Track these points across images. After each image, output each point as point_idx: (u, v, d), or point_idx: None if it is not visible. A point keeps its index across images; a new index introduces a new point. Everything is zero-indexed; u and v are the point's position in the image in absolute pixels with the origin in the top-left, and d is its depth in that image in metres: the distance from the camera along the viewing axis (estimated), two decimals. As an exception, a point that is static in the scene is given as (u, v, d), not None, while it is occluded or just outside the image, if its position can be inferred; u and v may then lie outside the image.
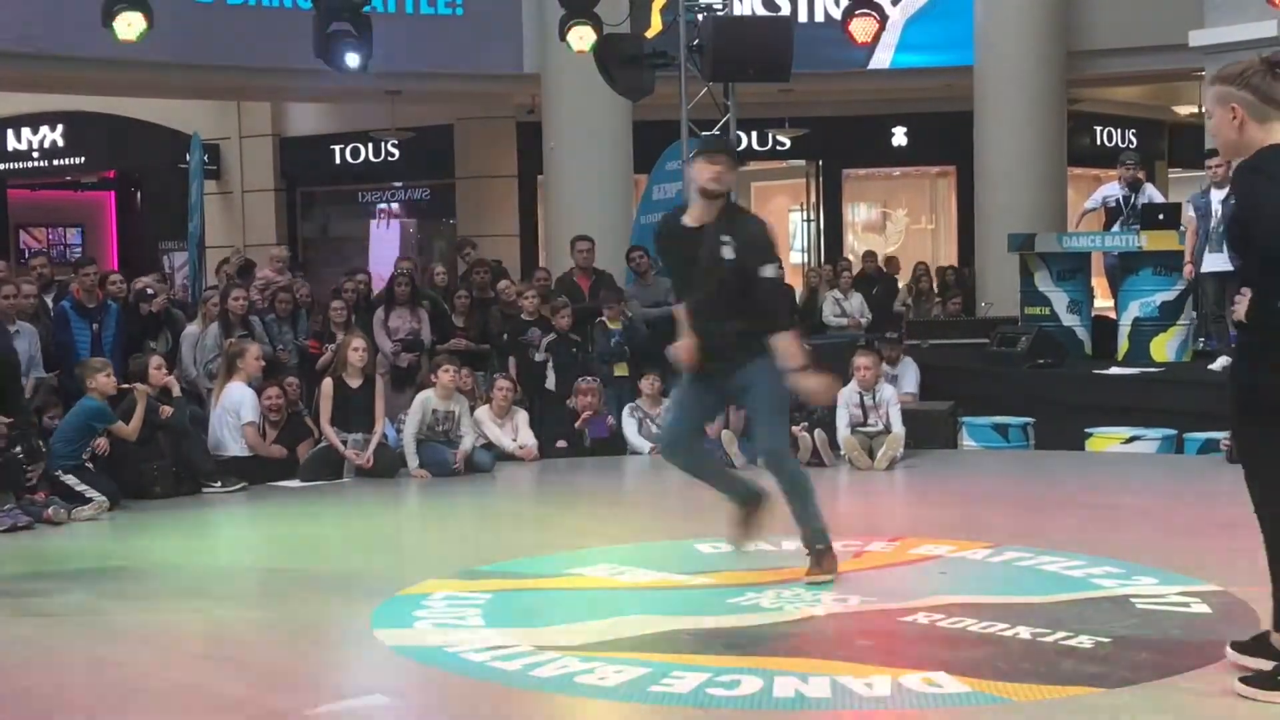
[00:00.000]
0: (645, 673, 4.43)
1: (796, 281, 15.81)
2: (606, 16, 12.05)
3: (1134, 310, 11.85)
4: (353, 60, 11.60)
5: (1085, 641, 4.70)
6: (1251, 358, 4.10)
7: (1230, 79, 4.11)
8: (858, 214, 22.15)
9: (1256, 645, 4.28)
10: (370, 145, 21.06)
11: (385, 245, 21.09)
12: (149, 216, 22.20)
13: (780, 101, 17.77)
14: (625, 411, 10.47)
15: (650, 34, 11.94)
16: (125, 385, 8.75)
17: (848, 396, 9.65)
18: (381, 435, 9.67)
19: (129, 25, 11.06)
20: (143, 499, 8.49)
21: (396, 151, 20.93)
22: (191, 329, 10.53)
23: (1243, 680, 4.13)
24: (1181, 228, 11.52)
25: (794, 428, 9.58)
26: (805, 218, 21.75)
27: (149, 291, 10.78)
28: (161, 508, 8.38)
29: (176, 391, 9.26)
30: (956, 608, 5.23)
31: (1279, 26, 13.43)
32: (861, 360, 9.72)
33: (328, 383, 9.68)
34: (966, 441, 10.48)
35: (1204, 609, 5.15)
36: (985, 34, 15.89)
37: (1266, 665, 4.16)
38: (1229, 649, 4.37)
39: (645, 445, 10.30)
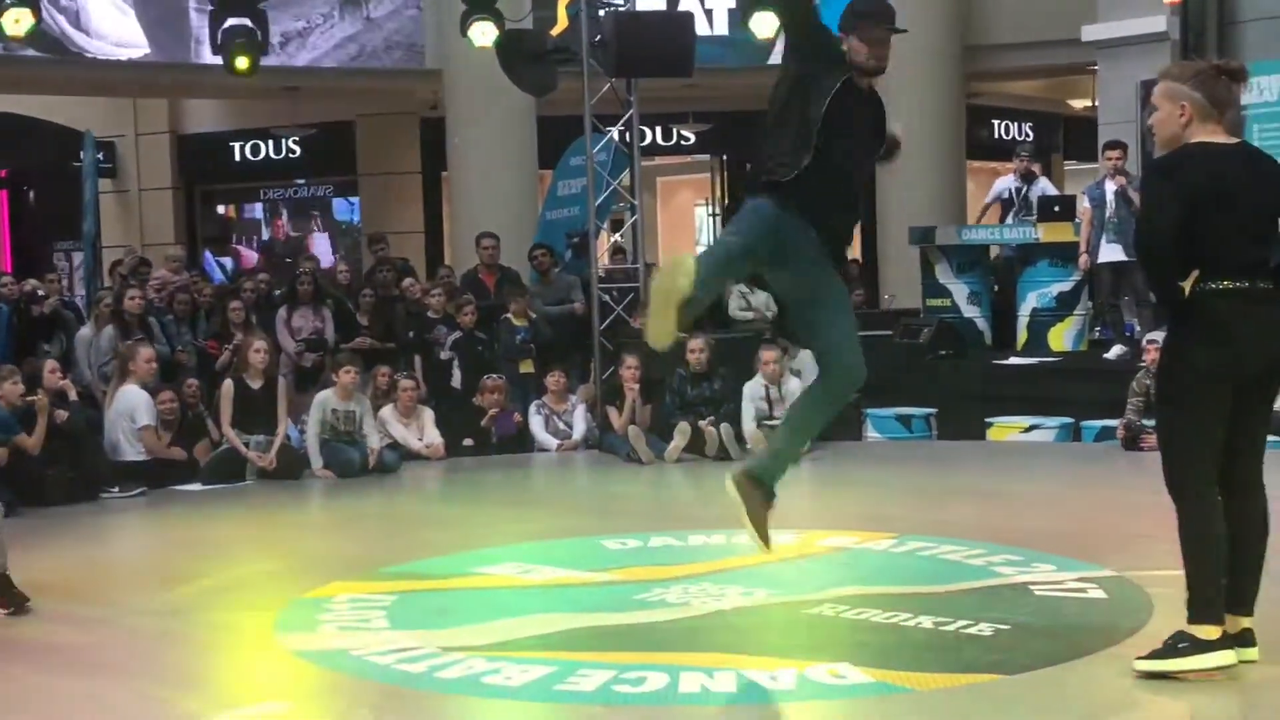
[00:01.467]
0: (551, 671, 4.42)
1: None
2: (508, 12, 11.99)
3: (1032, 301, 12.04)
4: (242, 63, 11.46)
5: (986, 629, 4.77)
6: (1174, 338, 4.33)
7: (1183, 78, 4.28)
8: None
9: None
10: (271, 142, 20.79)
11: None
12: (42, 216, 21.73)
13: (684, 96, 17.81)
14: (532, 408, 10.44)
15: (557, 31, 11.90)
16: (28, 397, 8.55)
17: (753, 390, 9.71)
18: (285, 436, 9.56)
19: (16, 22, 10.82)
20: (39, 506, 8.30)
21: (298, 148, 20.68)
22: (85, 331, 10.34)
23: (1143, 656, 4.21)
24: (1077, 219, 11.72)
25: (700, 422, 9.64)
26: (710, 212, 21.85)
27: (39, 293, 10.56)
28: (59, 515, 8.19)
29: (72, 395, 9.08)
30: (861, 598, 5.28)
31: (1168, 22, 13.71)
32: (766, 354, 9.79)
33: (228, 384, 9.54)
34: (871, 433, 10.59)
35: (1100, 594, 5.24)
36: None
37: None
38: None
39: (552, 442, 10.28)
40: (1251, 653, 4.22)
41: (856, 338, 5.02)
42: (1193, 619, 4.16)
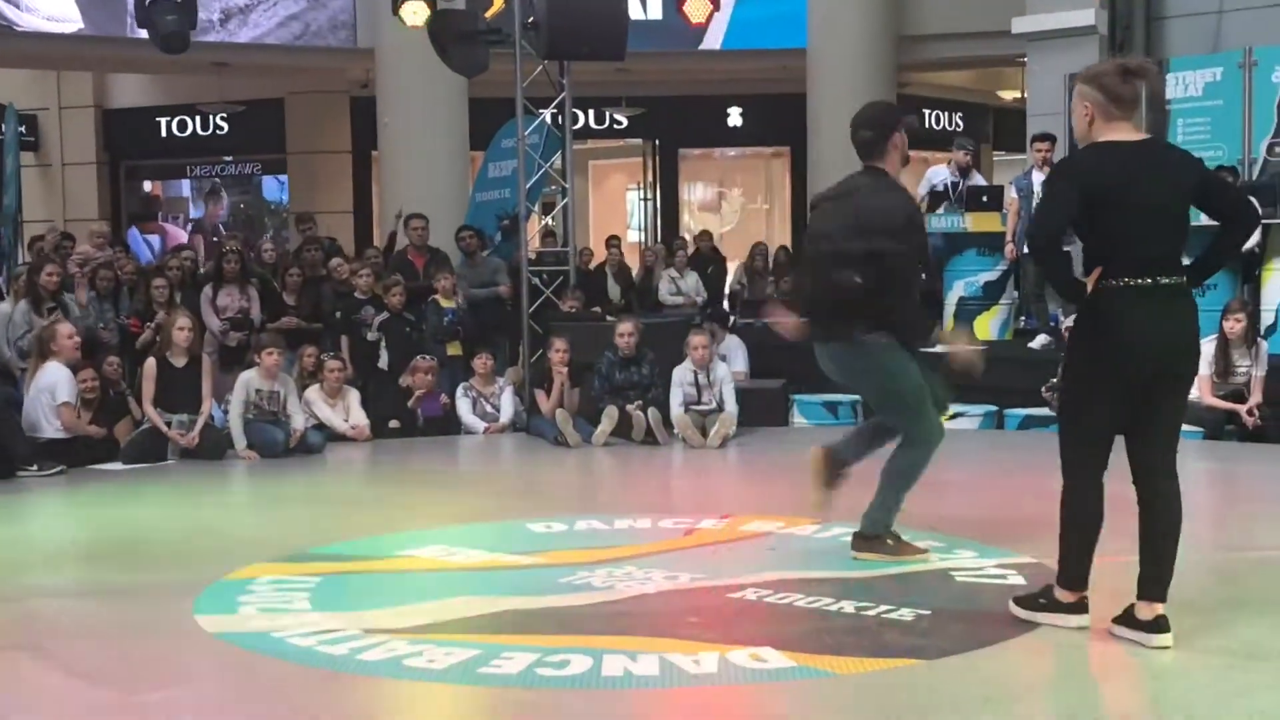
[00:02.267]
0: (474, 654, 4.41)
1: (633, 260, 15.87)
2: (440, -9, 11.91)
3: (959, 290, 12.15)
4: (175, 42, 11.27)
5: (906, 614, 4.81)
6: (1074, 331, 4.57)
7: (1089, 79, 4.43)
8: (694, 193, 22.32)
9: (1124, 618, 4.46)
10: (198, 118, 20.54)
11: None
12: (-39, 190, 21.32)
13: (617, 80, 17.80)
14: (459, 391, 10.40)
15: (492, 13, 11.83)
16: None
17: (681, 375, 9.73)
18: (209, 416, 9.45)
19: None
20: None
21: (225, 125, 20.44)
22: (3, 307, 10.15)
23: (1015, 599, 4.69)
24: (1004, 210, 11.85)
25: (628, 406, 9.65)
26: (642, 196, 21.85)
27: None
28: (-27, 493, 8.05)
29: (-11, 372, 8.92)
30: (784, 583, 5.31)
31: (1096, 15, 13.88)
32: (695, 339, 9.82)
33: (151, 362, 9.41)
34: (798, 419, 10.66)
35: (1019, 580, 5.31)
36: (818, 17, 16.11)
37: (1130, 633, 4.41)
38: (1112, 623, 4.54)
39: (479, 425, 10.25)
40: (1166, 638, 4.31)
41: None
42: (1059, 581, 4.56)
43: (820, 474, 5.79)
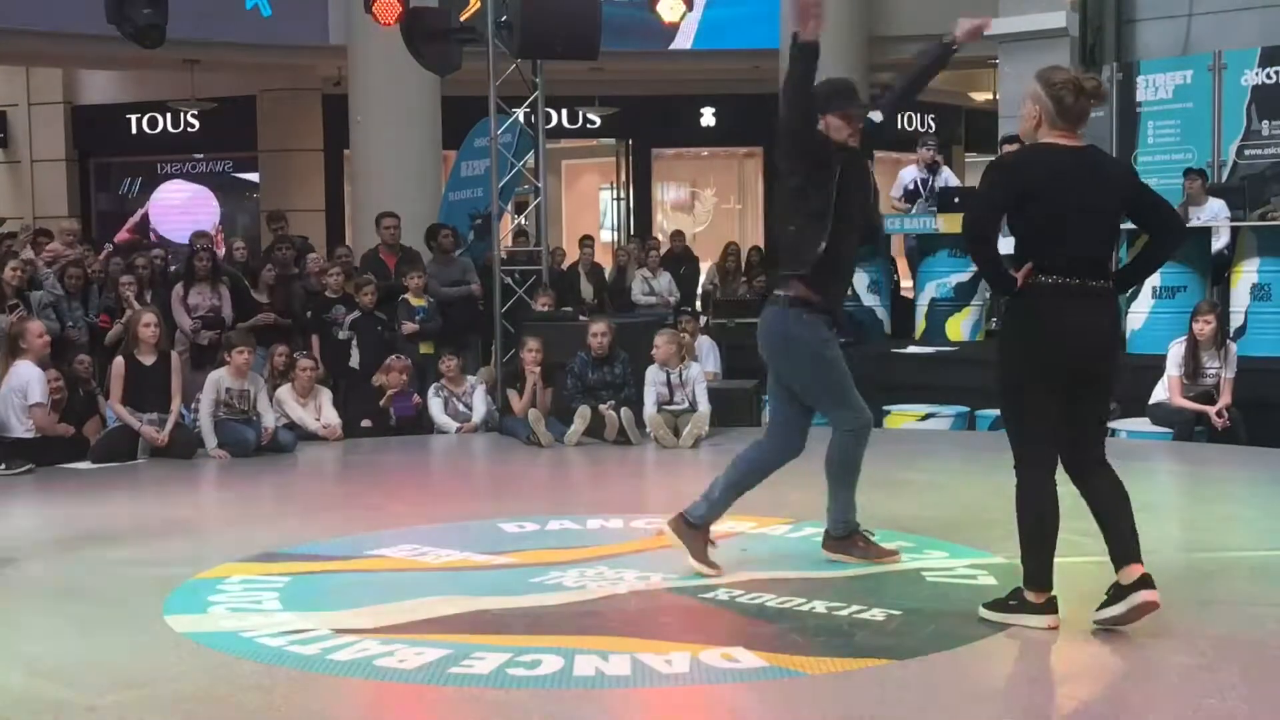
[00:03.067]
0: (445, 654, 4.40)
1: (606, 260, 15.86)
2: (413, -11, 11.87)
3: (930, 291, 12.20)
4: (151, 35, 11.19)
5: (878, 614, 4.83)
6: (1002, 328, 4.75)
7: (1046, 83, 4.51)
8: (667, 193, 22.34)
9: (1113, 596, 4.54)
10: (169, 115, 20.43)
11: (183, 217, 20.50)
12: (-71, 186, 21.17)
13: (591, 80, 17.80)
14: (430, 390, 10.38)
15: (468, 14, 11.82)
16: None
17: (654, 375, 9.73)
18: (179, 414, 9.39)
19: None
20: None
21: (197, 122, 20.35)
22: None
23: (985, 605, 4.67)
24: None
25: (601, 406, 9.64)
26: (615, 196, 21.86)
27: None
28: (-60, 492, 7.98)
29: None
30: (756, 583, 5.32)
31: (1068, 18, 13.96)
32: (659, 339, 9.81)
33: (119, 361, 9.34)
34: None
35: (990, 581, 5.33)
36: (791, 18, 16.11)
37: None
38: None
39: (452, 424, 10.23)
40: (1154, 593, 4.42)
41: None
42: (1025, 584, 4.57)
43: (687, 543, 5.53)
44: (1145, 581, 4.42)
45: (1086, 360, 4.48)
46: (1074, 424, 4.52)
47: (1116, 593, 4.46)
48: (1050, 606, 4.54)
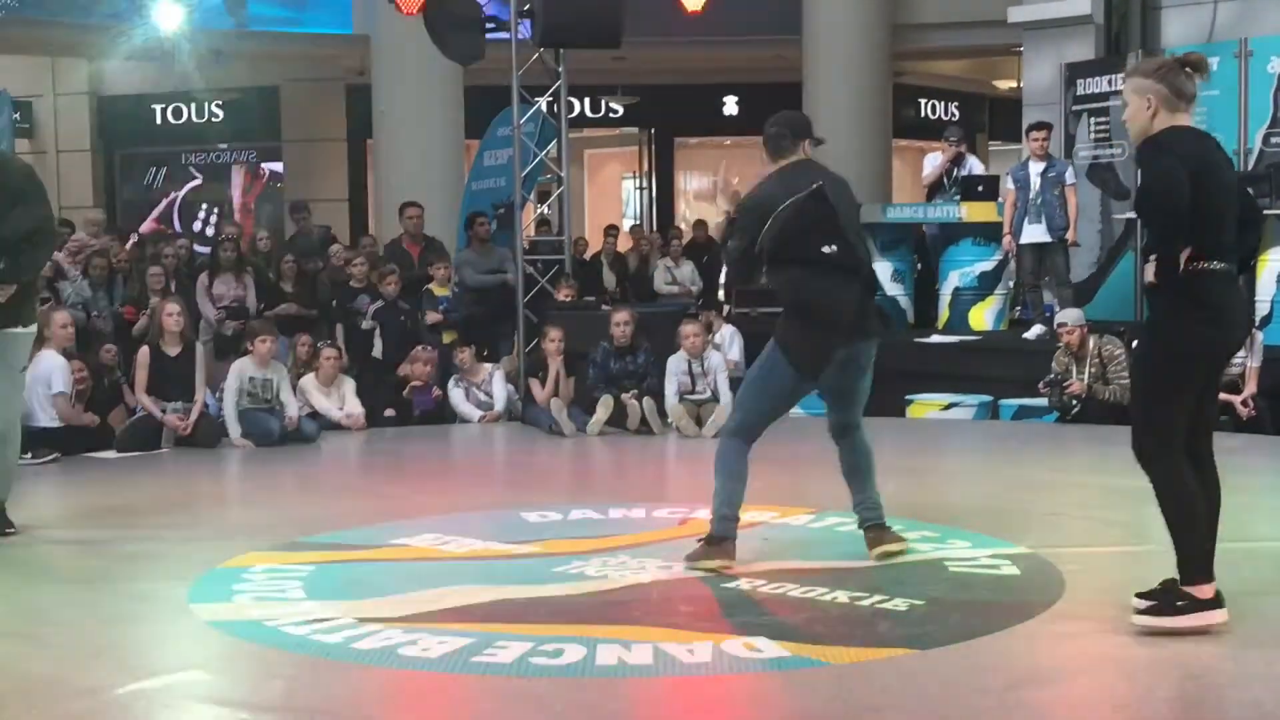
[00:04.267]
0: (469, 643, 4.41)
1: (626, 249, 15.85)
2: (436, -21, 11.87)
3: (954, 280, 12.16)
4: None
5: (900, 604, 4.82)
6: (1164, 313, 4.41)
7: (1149, 73, 4.45)
8: (690, 182, 22.30)
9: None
10: (193, 106, 20.47)
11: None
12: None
13: (613, 69, 17.77)
14: (451, 381, 10.39)
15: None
16: None
17: (676, 365, 9.73)
18: (203, 404, 9.43)
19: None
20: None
21: (220, 113, 20.39)
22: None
23: (1140, 612, 4.39)
24: (1000, 200, 11.84)
25: (623, 395, 9.65)
26: (638, 185, 21.84)
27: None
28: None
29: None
30: (778, 573, 5.31)
31: (1092, 5, 13.86)
32: (688, 329, 9.81)
33: (144, 351, 9.39)
34: (794, 409, 10.61)
35: (1013, 571, 5.32)
36: (814, 5, 16.09)
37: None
38: (1135, 599, 4.53)
39: (475, 413, 10.25)
40: (1221, 614, 4.37)
41: None
42: (1186, 580, 4.35)
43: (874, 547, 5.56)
44: (1220, 601, 4.39)
45: (1237, 345, 4.53)
46: (1199, 413, 4.45)
47: (1191, 603, 4.34)
48: (1220, 599, 4.35)
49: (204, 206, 20.84)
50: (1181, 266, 4.29)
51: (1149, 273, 4.36)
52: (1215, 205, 4.34)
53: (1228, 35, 12.75)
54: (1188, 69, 4.44)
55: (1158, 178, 4.32)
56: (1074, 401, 9.40)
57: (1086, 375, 9.40)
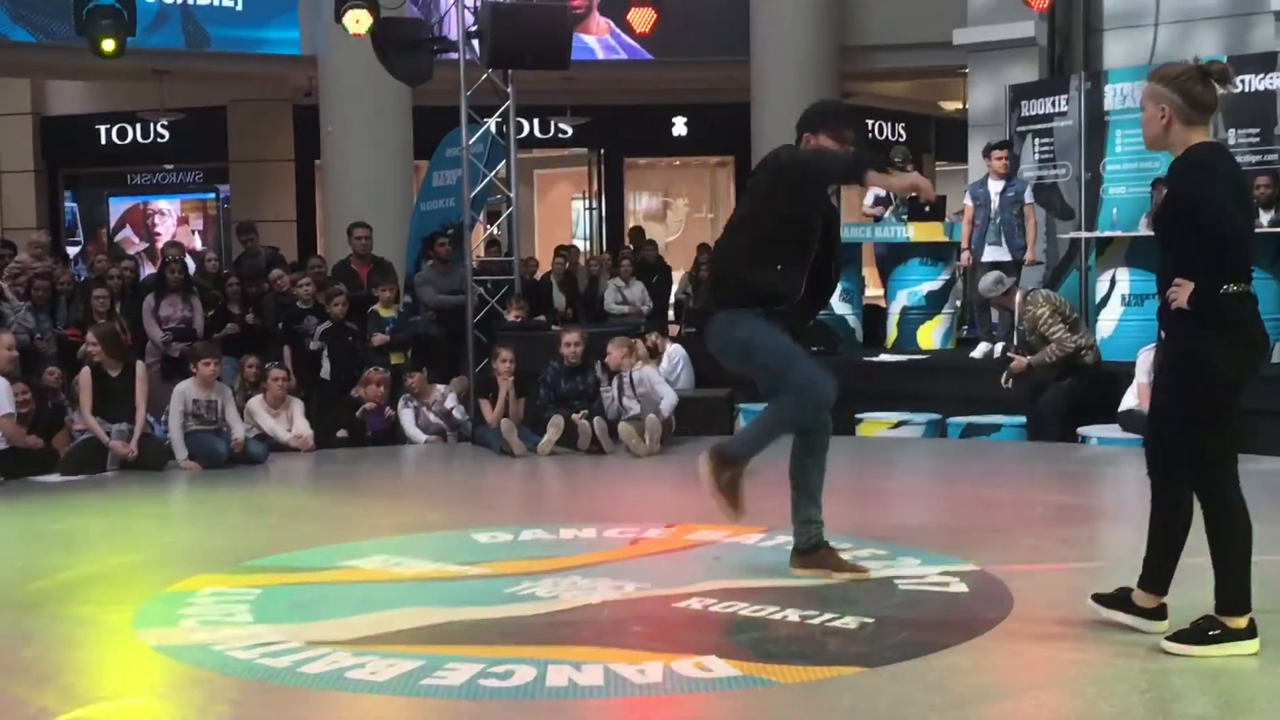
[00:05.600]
0: (418, 665, 4.38)
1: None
2: (384, 0, 11.86)
3: (902, 299, 12.24)
4: (108, 45, 11.16)
5: (850, 622, 4.83)
6: (1201, 341, 4.25)
7: (1167, 80, 4.31)
8: (639, 202, 22.36)
9: (1117, 599, 4.57)
10: (138, 126, 20.32)
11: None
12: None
13: (562, 89, 17.79)
14: (401, 402, 10.34)
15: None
16: None
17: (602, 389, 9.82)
18: (147, 425, 9.33)
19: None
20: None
21: (166, 133, 20.25)
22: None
23: (1171, 638, 4.33)
24: (949, 219, 11.96)
25: (574, 415, 9.64)
26: (587, 205, 21.86)
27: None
28: (-93, 506, 7.92)
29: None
30: (729, 592, 5.31)
31: (1036, 28, 14.04)
32: (609, 345, 9.87)
33: (85, 372, 9.29)
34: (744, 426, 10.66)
35: (962, 588, 5.34)
36: (761, 26, 16.19)
37: (1135, 620, 4.50)
38: (1091, 598, 4.64)
39: (421, 436, 10.20)
40: (1163, 625, 4.45)
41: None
42: (1224, 609, 4.28)
43: (815, 569, 5.53)
44: (1162, 612, 4.48)
45: (1264, 366, 4.44)
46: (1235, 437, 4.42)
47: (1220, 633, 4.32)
48: (1254, 629, 4.29)
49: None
50: (1221, 290, 4.19)
51: (1181, 298, 4.20)
52: (1246, 229, 4.30)
53: (1168, 57, 12.94)
54: (1210, 77, 4.28)
55: (1214, 201, 4.16)
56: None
57: (1015, 337, 9.71)
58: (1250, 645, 4.27)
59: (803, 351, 5.42)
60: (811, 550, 5.56)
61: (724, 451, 5.40)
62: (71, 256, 18.60)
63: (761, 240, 5.30)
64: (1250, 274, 4.28)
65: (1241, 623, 4.28)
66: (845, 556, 5.60)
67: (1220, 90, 4.29)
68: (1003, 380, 9.60)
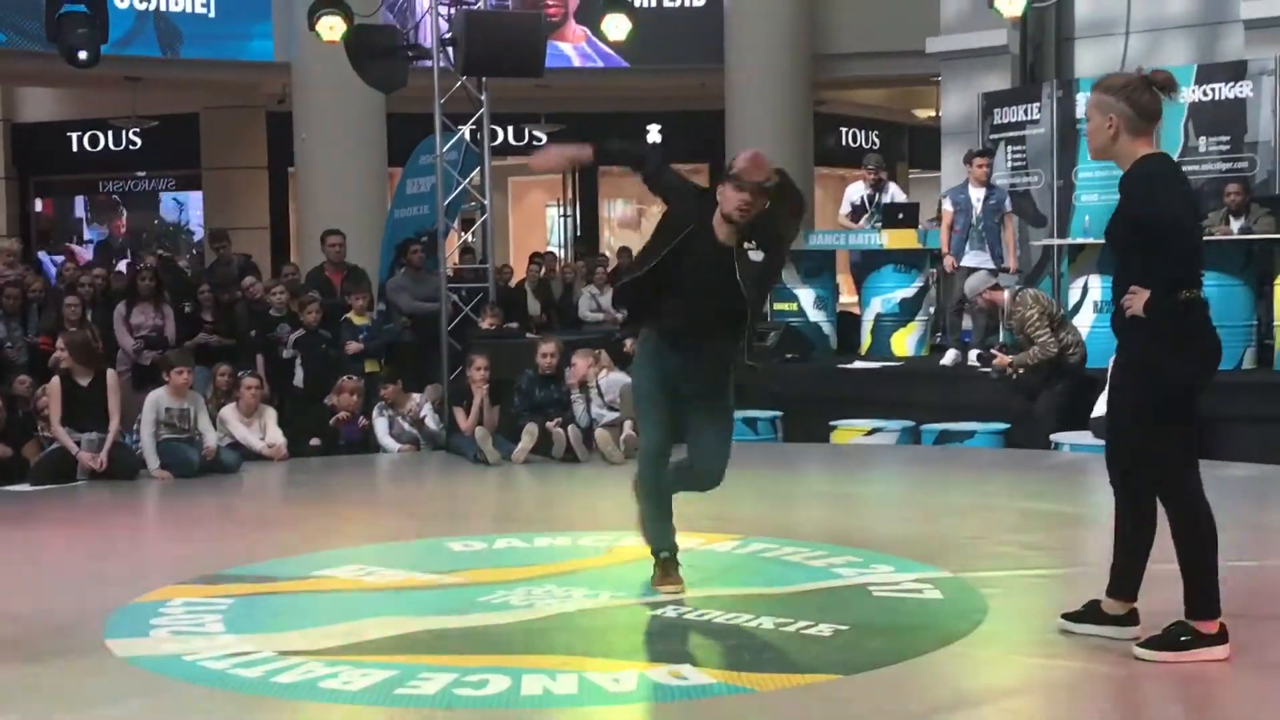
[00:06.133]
0: (391, 675, 4.36)
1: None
2: (358, 7, 11.83)
3: (876, 306, 12.26)
4: (83, 53, 11.10)
5: (825, 630, 4.83)
6: (1157, 349, 4.29)
7: (1113, 90, 4.36)
8: (613, 210, 22.36)
9: (1088, 613, 4.59)
10: (110, 133, 20.22)
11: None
12: None
13: (537, 97, 17.79)
14: (375, 410, 10.30)
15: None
16: None
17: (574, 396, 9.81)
18: (119, 434, 9.27)
19: None
20: None
21: (139, 140, 20.16)
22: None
23: (1143, 645, 4.34)
24: (922, 226, 11.99)
25: (549, 423, 9.62)
26: (561, 213, 21.85)
27: None
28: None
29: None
30: (704, 600, 5.31)
31: (1008, 36, 14.11)
32: (574, 357, 9.85)
33: (55, 381, 9.22)
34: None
35: (936, 595, 5.35)
36: (735, 34, 16.22)
37: (1108, 629, 4.50)
38: (1061, 619, 4.65)
39: (395, 445, 10.16)
40: (1135, 630, 4.46)
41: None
42: (1195, 614, 4.29)
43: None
44: (1133, 618, 4.51)
45: (1216, 371, 4.48)
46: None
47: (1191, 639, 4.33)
48: (1225, 634, 4.30)
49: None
50: (1180, 298, 4.23)
51: (1135, 305, 4.24)
52: (1198, 236, 4.37)
53: (1139, 66, 13.03)
54: (1154, 86, 4.36)
55: (1170, 210, 4.21)
56: (1009, 373, 9.69)
57: (1002, 334, 9.80)
58: (1221, 650, 4.28)
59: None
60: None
61: None
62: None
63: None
64: (1201, 280, 4.35)
65: (1213, 628, 4.29)
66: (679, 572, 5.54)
67: (1165, 99, 4.36)
68: (993, 375, 9.80)
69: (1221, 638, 4.30)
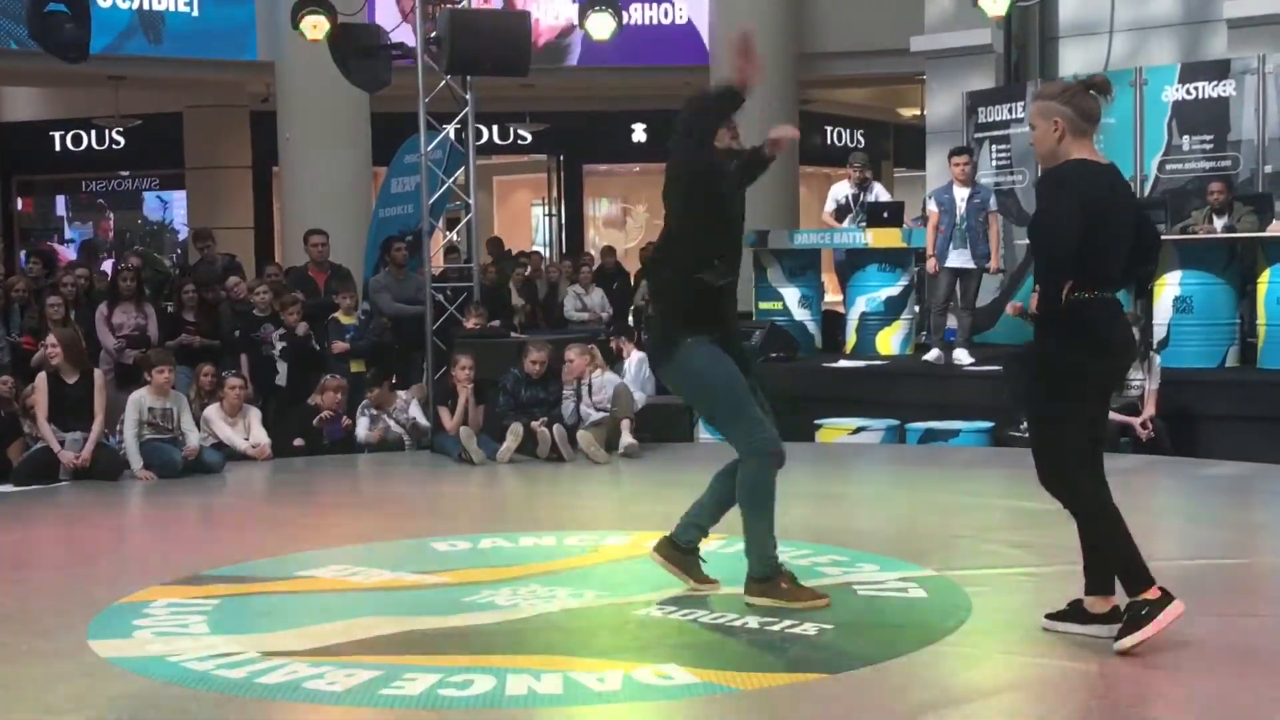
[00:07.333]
0: (376, 675, 4.35)
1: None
2: (341, 6, 11.81)
3: (861, 305, 12.27)
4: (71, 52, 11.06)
5: (809, 629, 4.83)
6: (1051, 344, 4.48)
7: (1054, 95, 4.52)
8: (599, 209, 22.36)
9: (1071, 612, 4.63)
10: (93, 132, 20.15)
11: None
12: None
13: (522, 96, 17.78)
14: (359, 409, 10.28)
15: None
16: None
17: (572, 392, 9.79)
18: (102, 434, 9.23)
19: None
20: None
21: (122, 139, 20.09)
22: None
23: (1118, 639, 4.39)
24: (907, 225, 12.00)
25: (534, 423, 9.61)
26: (546, 212, 21.84)
27: None
28: None
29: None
30: (688, 599, 5.31)
31: (992, 35, 14.14)
32: (570, 353, 9.85)
33: (41, 377, 9.19)
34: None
35: (920, 593, 5.36)
36: (720, 33, 16.23)
37: (1092, 629, 4.54)
38: (1045, 619, 4.69)
39: (367, 435, 10.14)
40: (1179, 605, 4.44)
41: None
42: (1135, 590, 4.40)
43: (676, 567, 5.45)
44: (1114, 616, 4.52)
45: (1123, 371, 4.67)
46: (1094, 437, 4.57)
47: (1149, 610, 4.39)
48: (1170, 594, 4.39)
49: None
50: (1064, 297, 4.38)
51: (1033, 303, 4.48)
52: (1106, 239, 4.43)
53: (1123, 65, 13.07)
54: (1092, 90, 4.52)
55: (1053, 215, 4.41)
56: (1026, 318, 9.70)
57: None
58: (1178, 606, 4.37)
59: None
60: (684, 551, 5.46)
61: (757, 577, 5.22)
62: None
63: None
64: (1110, 281, 4.48)
65: (1156, 593, 4.39)
66: (708, 571, 5.49)
67: (1102, 100, 4.52)
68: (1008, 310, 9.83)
69: (1169, 597, 4.39)
